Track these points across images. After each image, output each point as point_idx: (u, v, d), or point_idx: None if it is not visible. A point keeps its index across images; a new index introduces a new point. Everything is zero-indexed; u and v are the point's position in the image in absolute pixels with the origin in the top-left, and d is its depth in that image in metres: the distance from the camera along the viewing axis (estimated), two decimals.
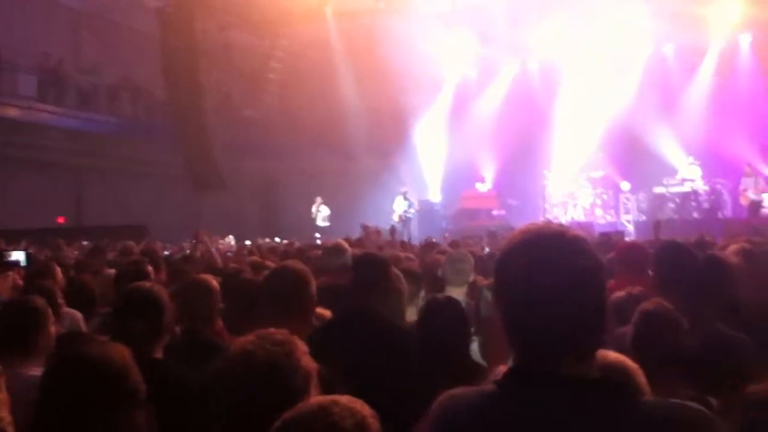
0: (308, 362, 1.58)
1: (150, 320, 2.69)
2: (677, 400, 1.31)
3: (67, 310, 4.31)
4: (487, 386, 1.34)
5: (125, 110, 19.14)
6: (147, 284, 2.96)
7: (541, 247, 1.30)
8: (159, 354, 2.80)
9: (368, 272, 2.98)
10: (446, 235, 14.11)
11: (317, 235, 16.12)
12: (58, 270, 5.20)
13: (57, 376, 1.94)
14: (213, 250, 7.09)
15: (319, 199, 17.38)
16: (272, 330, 1.63)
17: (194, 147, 16.97)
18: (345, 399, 1.27)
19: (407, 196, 16.91)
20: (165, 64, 17.05)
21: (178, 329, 2.93)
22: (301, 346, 1.61)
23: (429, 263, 4.94)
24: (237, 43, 19.00)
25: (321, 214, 17.32)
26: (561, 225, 1.36)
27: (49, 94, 16.99)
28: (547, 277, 1.26)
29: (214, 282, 3.46)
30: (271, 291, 2.65)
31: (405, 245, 8.94)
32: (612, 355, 1.77)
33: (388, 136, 18.49)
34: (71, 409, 1.85)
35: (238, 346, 1.59)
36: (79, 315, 4.34)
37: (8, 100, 15.89)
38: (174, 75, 16.80)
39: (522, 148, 17.28)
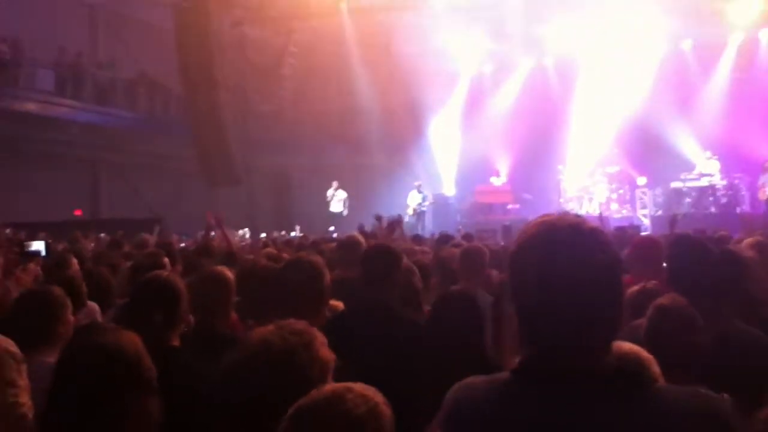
0: (326, 353, 1.60)
1: (166, 309, 2.72)
2: (693, 388, 1.31)
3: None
4: (503, 375, 1.34)
5: (142, 105, 19.26)
6: (163, 273, 2.99)
7: (557, 239, 1.28)
8: (175, 342, 2.83)
9: (379, 265, 2.98)
10: (459, 228, 14.09)
11: (331, 228, 16.15)
12: (75, 262, 5.27)
13: (69, 364, 1.97)
14: (227, 233, 7.08)
15: (335, 183, 17.32)
16: (292, 321, 1.64)
17: (209, 142, 17.04)
18: (359, 386, 1.29)
19: (421, 189, 16.91)
20: (180, 59, 17.12)
21: (192, 321, 2.95)
22: (320, 338, 1.62)
23: (443, 257, 4.94)
24: (252, 38, 19.05)
25: (337, 197, 17.22)
26: (577, 216, 1.35)
27: (66, 88, 17.13)
28: (564, 270, 1.25)
29: (229, 274, 3.46)
30: (285, 282, 2.67)
31: (418, 239, 8.92)
32: (626, 345, 1.77)
33: (403, 130, 18.48)
34: (83, 395, 1.88)
35: (258, 335, 1.61)
36: (96, 307, 4.39)
37: (26, 94, 16.05)
38: (189, 70, 16.88)
39: (537, 143, 17.21)
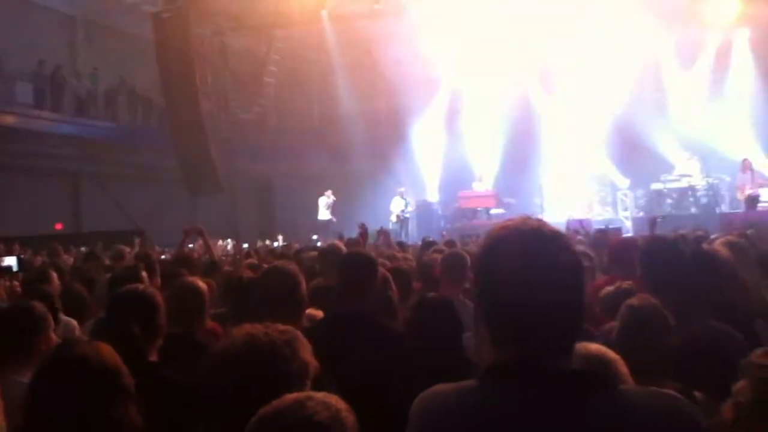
0: (307, 355, 1.62)
1: (143, 322, 2.70)
2: (655, 388, 1.32)
3: (62, 317, 4.32)
4: (469, 382, 1.35)
5: (122, 115, 19.16)
6: (140, 286, 2.97)
7: (520, 243, 1.30)
8: (153, 356, 2.81)
9: (354, 272, 2.98)
10: (443, 233, 14.12)
11: (314, 237, 16.13)
12: (55, 276, 5.21)
13: (46, 377, 1.96)
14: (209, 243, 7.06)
15: (329, 191, 17.27)
16: (280, 325, 1.66)
17: (191, 151, 16.97)
18: (320, 394, 1.30)
19: (404, 195, 16.94)
20: (161, 68, 17.05)
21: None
22: (304, 341, 1.64)
23: (425, 263, 4.94)
24: (233, 47, 19.03)
25: (327, 205, 17.13)
26: (539, 221, 1.36)
27: (45, 100, 17.00)
28: (527, 273, 1.27)
29: (202, 284, 3.48)
30: (262, 291, 2.66)
31: (402, 245, 8.92)
32: (593, 346, 1.78)
33: (385, 137, 18.55)
34: (62, 407, 1.87)
35: (243, 330, 1.63)
36: (74, 322, 4.34)
37: (5, 107, 15.91)
38: (170, 80, 16.80)
39: (519, 147, 17.33)
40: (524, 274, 1.27)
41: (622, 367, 1.75)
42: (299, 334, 1.65)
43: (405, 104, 18.10)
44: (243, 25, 18.42)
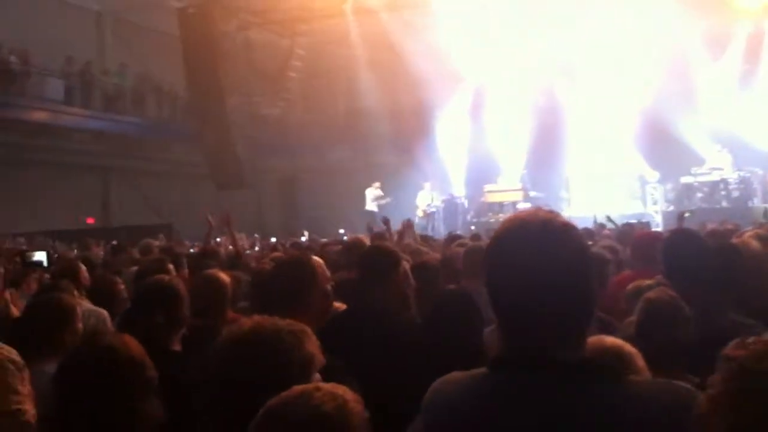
0: (313, 349, 1.60)
1: (167, 312, 2.75)
2: (665, 380, 1.34)
3: (93, 308, 4.40)
4: (480, 370, 1.38)
5: (150, 111, 19.41)
6: (164, 277, 3.02)
7: (526, 235, 1.33)
8: (177, 346, 2.86)
9: (373, 266, 2.98)
10: (472, 227, 14.07)
11: (341, 231, 16.18)
12: (84, 269, 5.31)
13: (72, 368, 2.00)
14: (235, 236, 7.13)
15: (377, 183, 17.22)
16: (290, 320, 1.66)
17: (217, 146, 17.15)
18: (328, 385, 1.31)
19: (430, 189, 16.88)
20: (187, 64, 17.24)
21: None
22: (312, 335, 1.64)
23: (448, 256, 4.94)
24: (257, 42, 19.13)
25: (374, 193, 16.98)
26: (549, 212, 1.38)
27: (75, 97, 17.29)
28: (533, 265, 1.29)
29: (223, 276, 3.57)
30: (278, 282, 2.67)
31: (426, 240, 8.91)
32: (609, 339, 1.77)
33: (410, 131, 18.47)
34: (87, 398, 1.91)
35: (251, 320, 1.64)
36: (105, 313, 4.42)
37: (36, 103, 16.22)
38: (196, 75, 16.99)
39: (545, 140, 17.14)
40: (529, 266, 1.29)
41: (639, 360, 1.74)
42: (309, 330, 1.65)
43: (429, 98, 18.00)
44: (267, 20, 18.51)
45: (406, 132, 18.49)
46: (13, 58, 15.83)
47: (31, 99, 16.11)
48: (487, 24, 16.44)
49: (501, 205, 17.57)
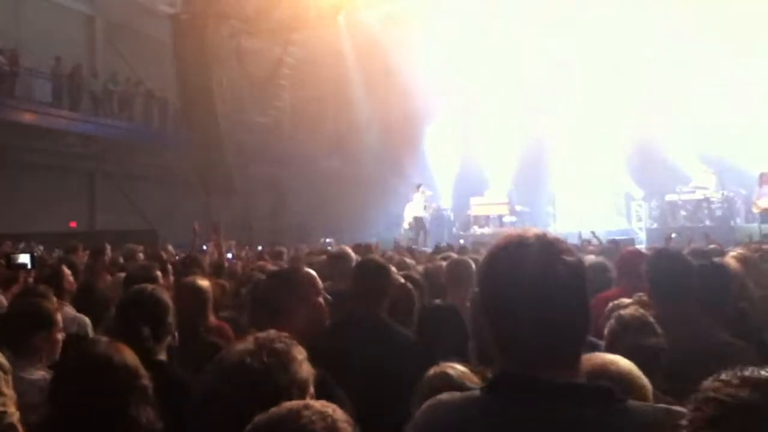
0: (305, 371, 1.58)
1: (153, 322, 2.73)
2: (663, 406, 1.32)
3: (75, 315, 4.36)
4: (473, 392, 1.37)
5: (138, 115, 19.32)
6: (150, 286, 3.00)
7: (519, 257, 1.31)
8: (162, 355, 2.84)
9: (369, 279, 3.00)
10: (461, 241, 14.07)
11: (328, 240, 16.14)
12: (68, 273, 5.26)
13: (68, 375, 1.99)
14: (220, 246, 7.10)
15: (422, 187, 16.78)
16: (273, 335, 1.63)
17: (206, 152, 17.10)
18: (318, 403, 1.27)
19: (424, 190, 16.52)
20: (178, 70, 17.21)
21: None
22: (299, 355, 1.61)
23: (432, 270, 4.95)
24: (249, 50, 19.15)
25: (422, 197, 16.41)
26: (543, 233, 1.37)
27: (63, 99, 17.18)
28: (527, 287, 1.28)
29: (204, 283, 3.62)
30: (269, 296, 2.67)
31: (412, 251, 8.91)
32: (624, 363, 1.77)
33: (399, 142, 18.54)
34: (83, 406, 1.89)
35: (235, 354, 1.59)
36: (85, 319, 4.38)
37: (24, 105, 16.10)
38: (186, 81, 16.96)
39: (533, 155, 17.27)
40: (524, 288, 1.28)
41: (641, 380, 1.74)
42: (294, 348, 1.61)
43: (419, 110, 18.08)
44: (259, 28, 18.54)
45: (395, 143, 18.54)
46: (1, 59, 15.72)
47: (19, 100, 15.99)
48: (478, 39, 16.55)
49: (487, 218, 17.66)
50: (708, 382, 1.02)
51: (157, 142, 19.06)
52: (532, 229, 1.38)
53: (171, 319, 2.80)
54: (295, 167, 19.93)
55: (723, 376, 1.01)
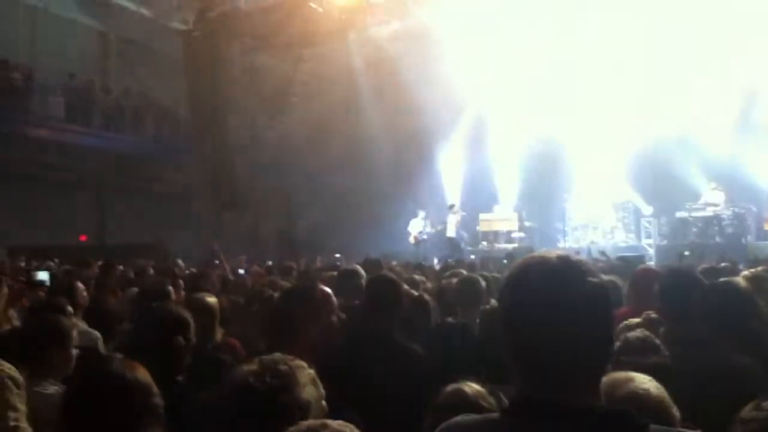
0: (309, 394, 1.59)
1: (175, 340, 2.74)
2: (684, 430, 1.31)
3: (86, 329, 4.39)
4: (492, 415, 1.37)
5: (149, 131, 19.49)
6: (170, 305, 3.02)
7: (544, 277, 1.30)
8: (179, 375, 2.85)
9: (380, 294, 3.02)
10: (472, 256, 14.07)
11: (337, 255, 16.15)
12: (81, 288, 5.30)
13: (81, 393, 1.99)
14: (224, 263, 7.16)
15: (456, 207, 17.10)
16: (278, 357, 1.64)
17: (217, 167, 17.21)
18: (335, 423, 1.28)
19: (424, 218, 16.89)
20: (189, 85, 17.37)
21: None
22: (303, 377, 1.62)
23: (442, 287, 4.95)
24: (260, 66, 19.29)
25: (456, 218, 16.69)
26: (566, 254, 1.36)
27: (77, 114, 17.37)
28: (548, 311, 1.27)
29: (211, 299, 3.67)
30: (272, 313, 2.69)
31: (421, 268, 8.91)
32: (653, 387, 1.77)
33: (409, 158, 18.57)
34: (95, 423, 1.90)
35: (240, 376, 1.61)
36: (96, 334, 4.41)
37: (39, 121, 16.28)
38: (198, 96, 17.11)
39: (543, 171, 17.26)
40: (546, 311, 1.27)
41: (674, 411, 1.74)
42: (299, 369, 1.62)
43: (430, 126, 18.12)
44: (271, 44, 18.69)
45: (405, 159, 18.58)
46: (16, 75, 15.93)
47: (33, 116, 16.19)
48: (489, 55, 16.62)
49: (495, 233, 17.64)
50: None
51: (168, 157, 19.19)
52: (554, 251, 1.37)
53: (192, 335, 2.81)
54: (307, 182, 19.98)
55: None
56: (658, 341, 2.28)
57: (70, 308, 4.02)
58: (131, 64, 19.45)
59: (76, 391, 2.02)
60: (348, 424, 1.29)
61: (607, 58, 16.00)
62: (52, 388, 2.90)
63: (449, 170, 19.06)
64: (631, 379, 1.80)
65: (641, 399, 1.73)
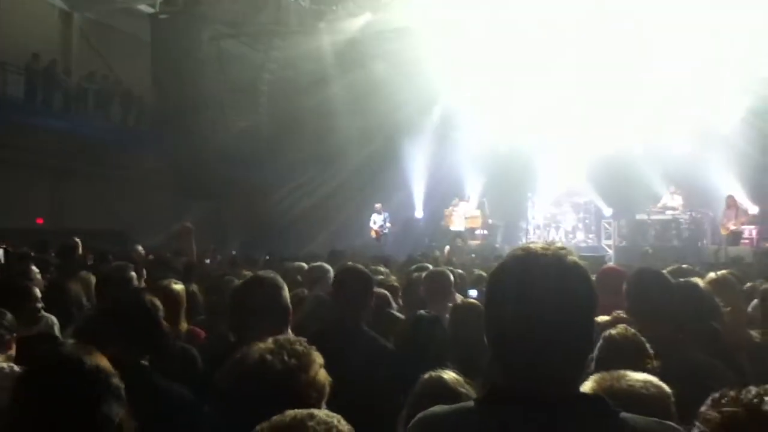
0: (323, 376, 1.59)
1: (144, 326, 2.69)
2: (658, 420, 1.33)
3: (42, 314, 4.27)
4: (467, 404, 1.36)
5: (114, 114, 19.06)
6: (137, 290, 2.97)
7: (534, 269, 1.31)
8: (145, 360, 2.79)
9: (350, 286, 3.00)
10: (437, 252, 14.13)
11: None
12: (36, 271, 5.17)
13: (38, 376, 1.94)
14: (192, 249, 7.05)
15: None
16: (291, 337, 1.62)
17: (184, 154, 16.91)
18: (322, 413, 1.27)
19: (381, 211, 16.98)
20: (156, 70, 17.02)
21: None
22: (318, 359, 1.61)
23: (410, 281, 4.96)
24: (230, 53, 19.03)
25: (461, 214, 17.04)
26: (562, 248, 1.37)
27: (37, 95, 16.88)
28: (530, 303, 1.28)
29: (178, 287, 3.64)
30: (247, 300, 2.64)
31: (386, 261, 8.92)
32: (655, 382, 1.78)
33: (377, 151, 18.55)
34: (51, 407, 1.85)
35: (257, 353, 1.58)
36: (53, 319, 4.30)
37: None
38: (165, 82, 16.77)
39: (508, 169, 17.43)
40: (527, 303, 1.28)
41: (671, 406, 1.75)
42: (314, 354, 1.61)
43: (399, 119, 18.12)
44: (241, 32, 18.45)
45: (373, 152, 18.56)
46: None
47: None
48: (459, 51, 16.65)
49: (459, 230, 17.75)
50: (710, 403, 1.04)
51: (132, 141, 18.80)
52: (552, 245, 1.38)
53: (161, 324, 2.76)
54: (273, 172, 19.81)
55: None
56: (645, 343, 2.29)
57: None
58: (96, 46, 18.99)
59: (30, 375, 1.96)
60: (335, 414, 1.28)
61: (574, 63, 16.18)
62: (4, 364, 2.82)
63: (416, 164, 19.11)
64: (628, 376, 1.82)
65: (640, 395, 1.74)
